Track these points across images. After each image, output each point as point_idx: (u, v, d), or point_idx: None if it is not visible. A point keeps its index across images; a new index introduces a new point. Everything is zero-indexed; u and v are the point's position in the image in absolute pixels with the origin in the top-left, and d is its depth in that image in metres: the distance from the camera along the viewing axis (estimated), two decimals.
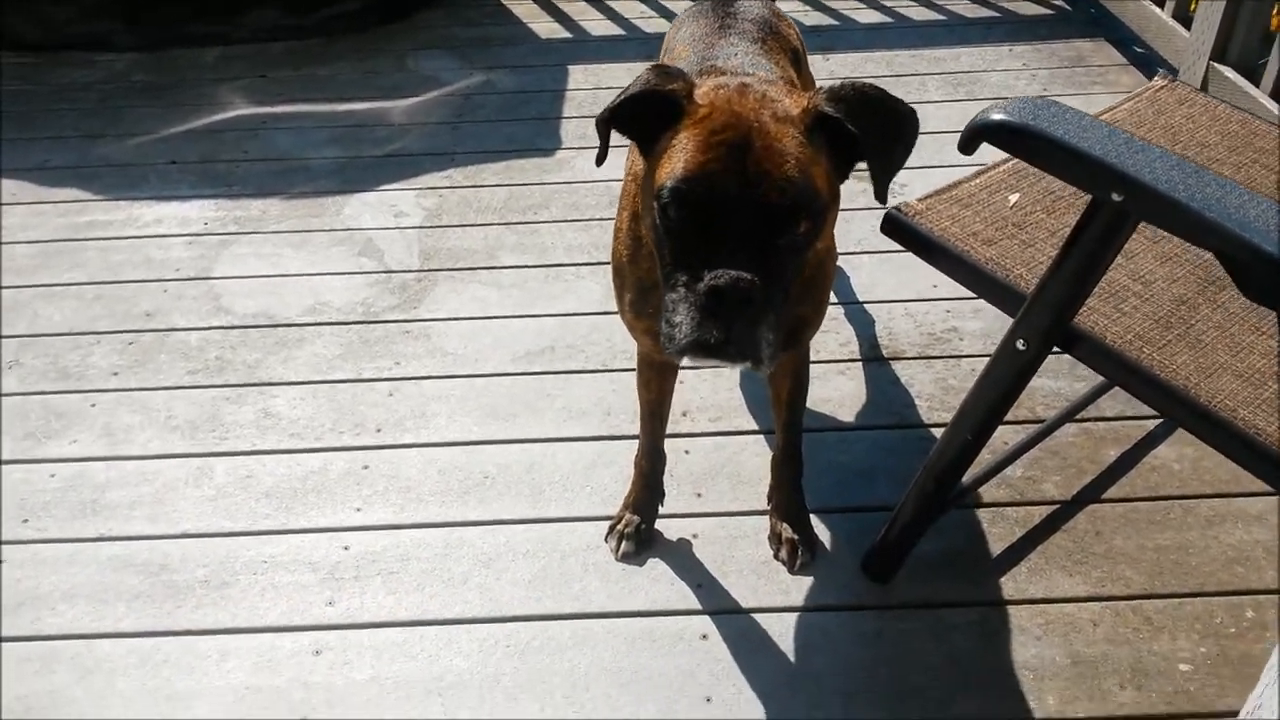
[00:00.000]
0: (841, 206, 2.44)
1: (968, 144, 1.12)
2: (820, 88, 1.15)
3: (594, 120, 1.21)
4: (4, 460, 1.95)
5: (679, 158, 1.09)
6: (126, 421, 2.02)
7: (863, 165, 1.19)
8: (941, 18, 3.64)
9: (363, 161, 2.91)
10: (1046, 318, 1.20)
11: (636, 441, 1.73)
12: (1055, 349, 1.25)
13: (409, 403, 2.06)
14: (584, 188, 2.75)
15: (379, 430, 1.99)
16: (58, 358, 2.20)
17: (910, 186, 2.67)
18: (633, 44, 3.59)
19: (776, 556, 1.69)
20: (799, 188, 1.07)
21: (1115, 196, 1.03)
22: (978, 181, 1.47)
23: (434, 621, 1.62)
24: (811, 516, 1.74)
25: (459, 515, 1.81)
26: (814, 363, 2.08)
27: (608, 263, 2.40)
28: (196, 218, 2.67)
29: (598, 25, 3.73)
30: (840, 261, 2.41)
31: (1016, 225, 1.38)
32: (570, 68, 3.42)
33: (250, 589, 1.68)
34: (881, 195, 1.16)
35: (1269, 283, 0.90)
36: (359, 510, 1.82)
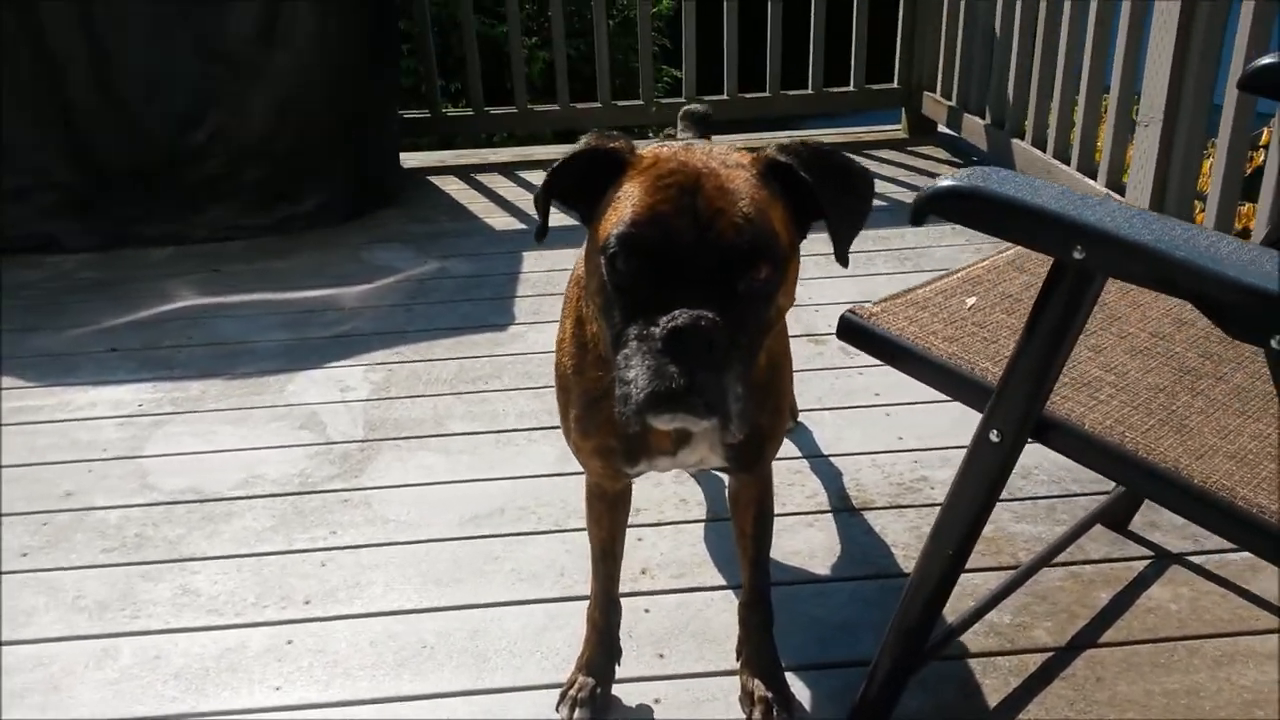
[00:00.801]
0: (798, 367, 2.39)
1: (918, 215, 1.07)
2: (776, 145, 1.10)
3: (532, 199, 1.16)
4: None
5: (625, 205, 1.01)
6: (29, 604, 1.83)
7: (818, 236, 1.13)
8: (884, 203, 3.77)
9: (311, 343, 2.85)
10: (1019, 403, 1.12)
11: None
12: (1030, 439, 1.16)
13: (342, 572, 1.89)
14: (538, 358, 2.69)
15: (307, 603, 1.81)
16: None
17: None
18: (581, 231, 3.65)
19: (749, 719, 1.50)
20: (756, 227, 0.99)
21: (1077, 254, 0.97)
22: (933, 287, 1.43)
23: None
24: (788, 674, 1.57)
25: (392, 690, 1.61)
26: (781, 515, 1.96)
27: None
28: (131, 400, 2.56)
29: (553, 218, 3.81)
30: (802, 418, 2.34)
31: (976, 324, 1.32)
32: (524, 253, 3.46)
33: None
34: (842, 256, 1.10)
35: (1252, 313, 0.82)
36: (278, 689, 1.62)
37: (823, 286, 3.06)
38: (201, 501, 2.11)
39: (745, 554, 1.51)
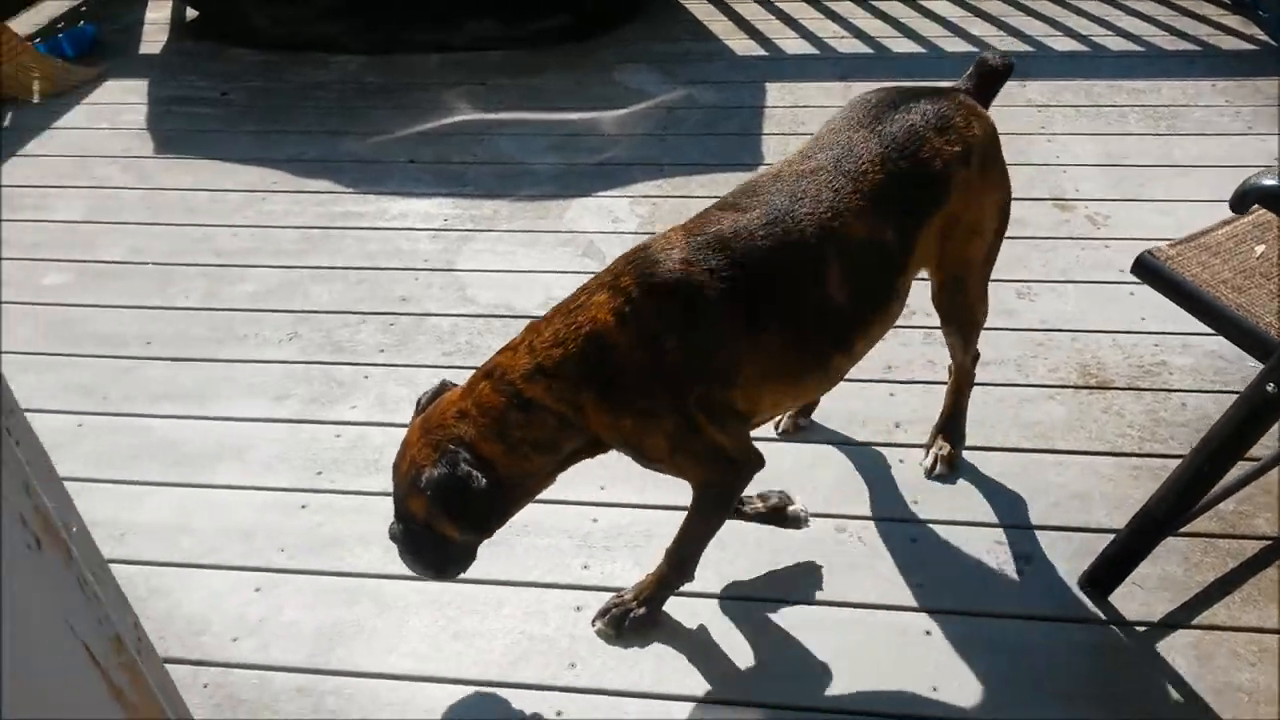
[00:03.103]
0: (1042, 234, 2.53)
1: (1239, 203, 1.23)
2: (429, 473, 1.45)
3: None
4: (295, 420, 2.24)
5: None
6: (395, 394, 2.29)
7: None
8: (1140, 49, 3.66)
9: (579, 169, 3.14)
10: None
11: (855, 447, 1.88)
12: None
13: None
14: None
15: None
16: (331, 333, 2.49)
17: (1114, 217, 2.73)
18: (827, 63, 3.72)
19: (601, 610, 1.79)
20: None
21: None
22: (1224, 231, 1.57)
23: (678, 593, 1.81)
24: (1031, 532, 1.87)
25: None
26: (1024, 385, 2.21)
27: None
28: (436, 214, 2.94)
29: (792, 44, 3.88)
30: (1045, 288, 2.50)
31: (1263, 275, 1.48)
32: (767, 85, 3.58)
33: (516, 548, 1.91)
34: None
35: None
36: (603, 489, 2.03)
37: (1068, 144, 3.10)
38: (514, 317, 2.50)
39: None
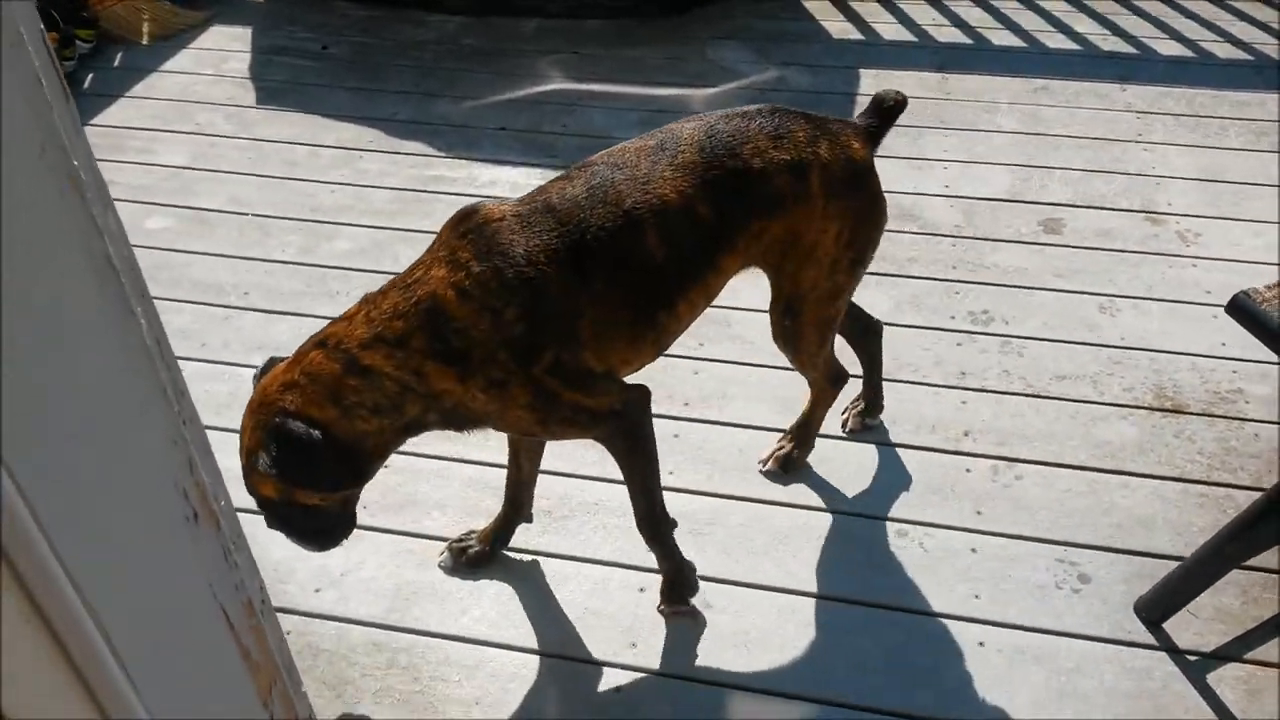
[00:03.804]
0: (1130, 248, 2.51)
1: None
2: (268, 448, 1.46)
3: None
4: None
5: None
6: None
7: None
8: (1249, 57, 3.55)
9: None
10: None
11: (923, 452, 1.92)
12: None
13: (712, 383, 2.31)
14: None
15: (686, 404, 2.26)
16: None
17: (1205, 235, 2.69)
18: (924, 52, 3.68)
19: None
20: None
21: None
22: None
23: (737, 583, 1.88)
24: (1093, 550, 1.89)
25: (760, 494, 2.05)
26: (1096, 403, 2.21)
27: (896, 274, 2.58)
28: (525, 184, 3.00)
29: (889, 29, 3.84)
30: (1128, 304, 2.48)
31: None
32: (861, 71, 3.56)
33: (585, 525, 1.99)
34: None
35: None
36: (671, 474, 2.09)
37: (1167, 154, 3.05)
38: None
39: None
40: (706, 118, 1.67)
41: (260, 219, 2.90)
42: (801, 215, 1.64)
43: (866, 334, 2.09)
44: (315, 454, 1.44)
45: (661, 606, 1.83)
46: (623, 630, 1.81)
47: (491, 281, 1.47)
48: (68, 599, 0.68)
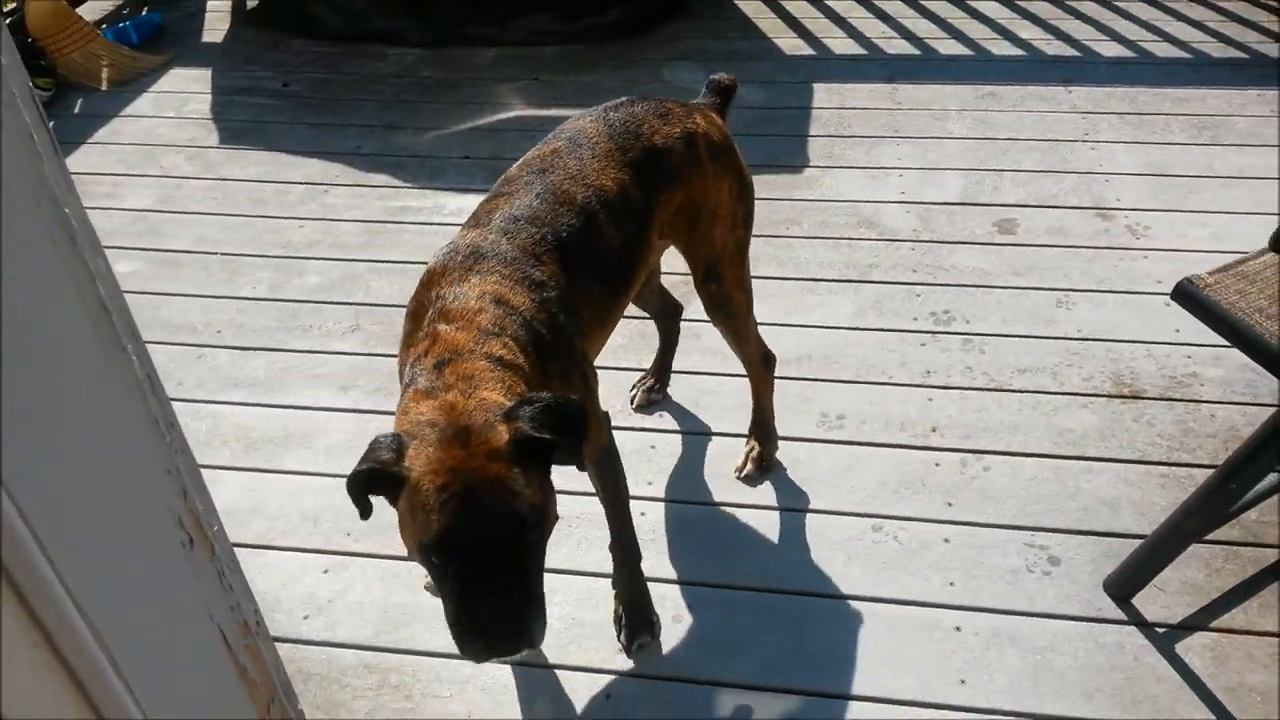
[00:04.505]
0: (1083, 243, 2.61)
1: (1278, 244, 1.30)
2: (520, 410, 1.31)
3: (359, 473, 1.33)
4: (359, 410, 2.37)
5: (421, 519, 1.28)
6: None
7: None
8: (1187, 55, 3.68)
9: None
10: None
11: (893, 449, 1.97)
12: None
13: (686, 393, 2.36)
14: (833, 206, 2.98)
15: (661, 416, 2.30)
16: (392, 325, 2.61)
17: (1154, 228, 2.79)
18: (875, 64, 3.77)
19: (618, 638, 1.82)
20: (520, 513, 1.29)
21: None
22: (1262, 261, 1.63)
23: (719, 585, 1.92)
24: (1065, 535, 1.95)
25: (737, 499, 2.10)
26: (1056, 394, 2.28)
27: (859, 280, 2.64)
28: None
29: (839, 43, 3.94)
30: (1083, 297, 2.56)
31: None
32: (814, 85, 3.65)
33: (567, 539, 2.02)
34: (579, 461, 1.39)
35: None
36: (650, 484, 2.14)
37: (1113, 152, 3.14)
38: None
39: (606, 514, 1.79)
40: (592, 113, 1.79)
41: (229, 257, 2.93)
42: (698, 181, 1.79)
43: (673, 314, 2.30)
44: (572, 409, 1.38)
45: (623, 641, 1.81)
46: (610, 638, 1.84)
47: (529, 286, 1.52)
48: (71, 619, 0.72)
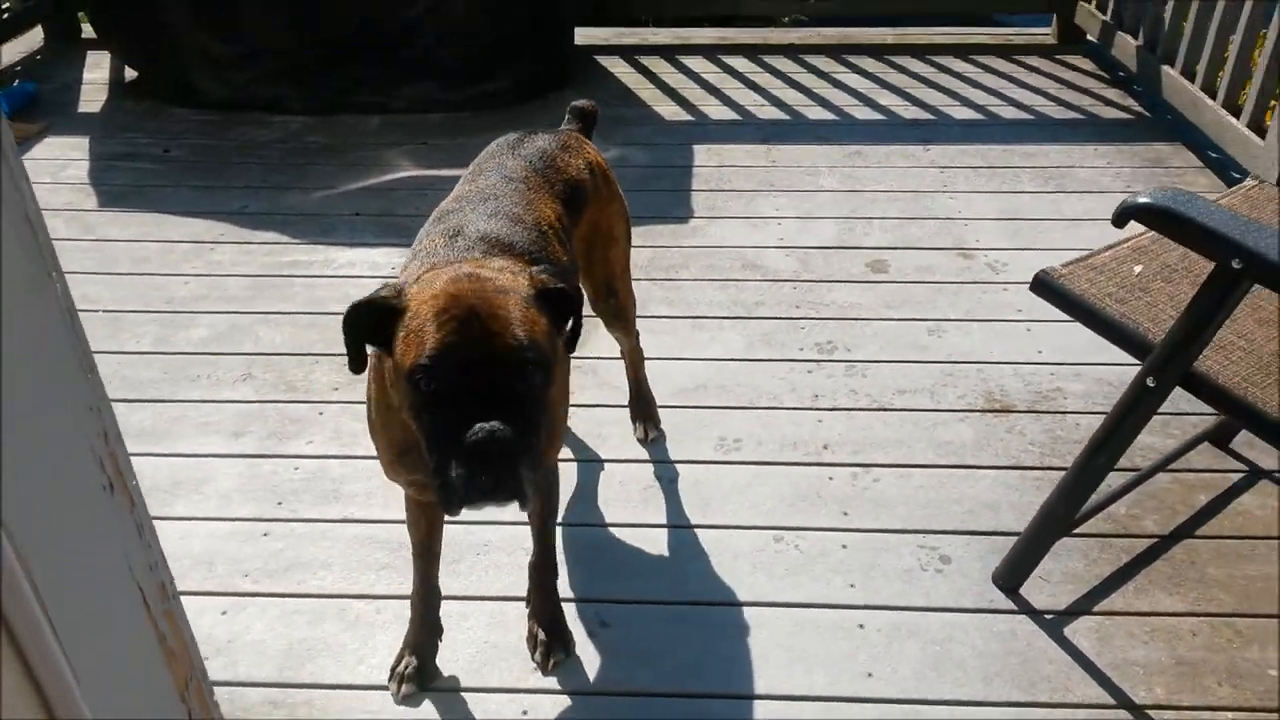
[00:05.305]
0: (948, 279, 2.79)
1: (1120, 219, 1.46)
2: (544, 267, 1.38)
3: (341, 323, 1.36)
4: (253, 455, 2.32)
5: (416, 342, 1.24)
6: (352, 428, 2.39)
7: None
8: (1030, 117, 4.02)
9: None
10: (1174, 360, 1.52)
11: (788, 466, 2.05)
12: (1177, 387, 1.57)
13: (586, 425, 2.40)
14: (718, 251, 3.12)
15: (565, 448, 2.33)
16: (284, 373, 2.58)
17: (1011, 264, 3.01)
18: (748, 129, 3.99)
19: (532, 657, 1.81)
20: (526, 344, 1.24)
21: (1235, 264, 1.36)
22: (1108, 254, 1.80)
23: (630, 601, 1.94)
24: (956, 536, 2.05)
25: (642, 519, 2.14)
26: (936, 410, 2.41)
27: (746, 316, 2.76)
28: (384, 262, 3.07)
29: (715, 110, 4.15)
30: (952, 327, 2.74)
31: (1141, 289, 1.71)
32: (694, 146, 3.83)
33: (475, 566, 2.02)
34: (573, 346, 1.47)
35: None
36: (562, 509, 2.15)
37: (971, 200, 3.39)
38: None
39: (534, 529, 1.82)
40: (501, 154, 1.81)
41: (111, 314, 2.85)
42: (597, 205, 1.89)
43: None
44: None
45: (538, 660, 1.80)
46: (523, 657, 1.83)
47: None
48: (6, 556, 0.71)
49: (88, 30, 4.63)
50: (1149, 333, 1.62)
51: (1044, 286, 1.73)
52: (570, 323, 1.43)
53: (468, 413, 1.21)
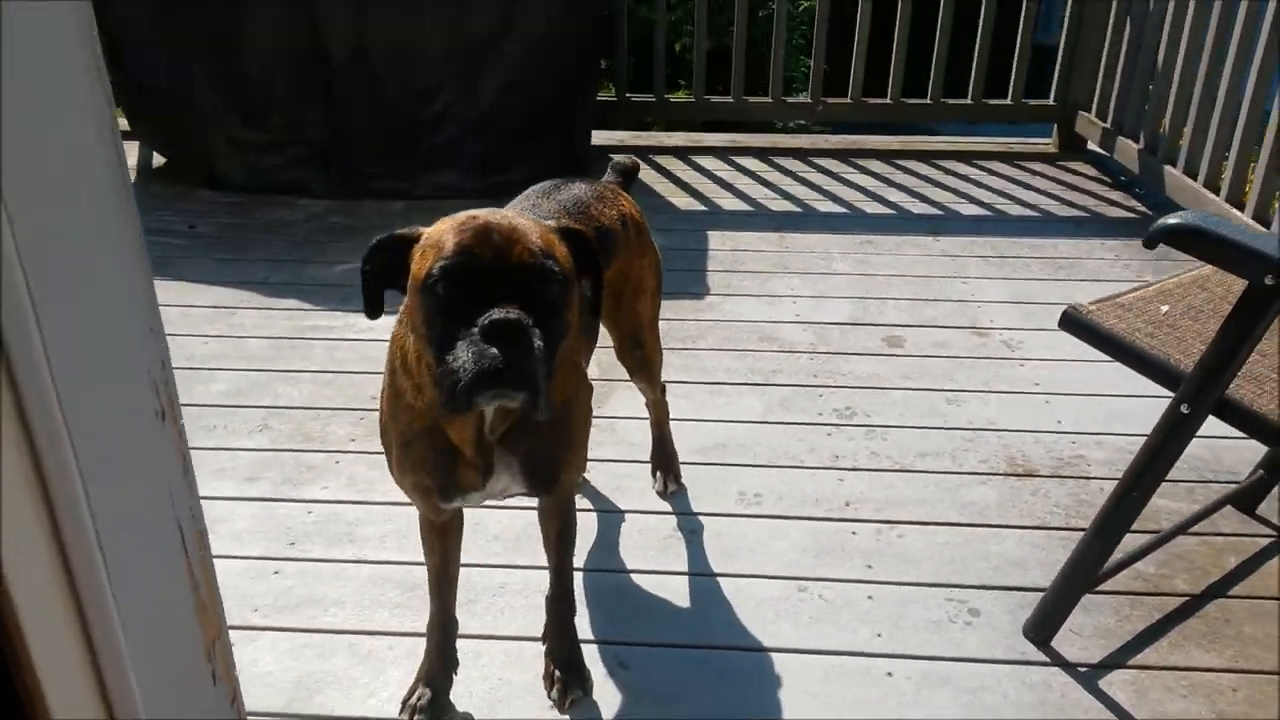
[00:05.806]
0: (964, 354, 2.81)
1: (1151, 241, 1.48)
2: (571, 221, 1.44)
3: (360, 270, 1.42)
4: (266, 498, 2.28)
5: (434, 251, 1.25)
6: (367, 475, 2.36)
7: None
8: (1036, 214, 4.12)
9: None
10: (1208, 384, 1.52)
11: (811, 521, 2.02)
12: (1211, 414, 1.56)
13: (603, 479, 2.38)
14: (735, 324, 3.15)
15: (584, 499, 2.31)
16: (301, 425, 2.57)
17: (1025, 342, 3.03)
18: (760, 219, 4.08)
19: (549, 695, 1.75)
20: (543, 253, 1.25)
21: (1268, 280, 1.37)
22: (1134, 295, 1.82)
23: (652, 644, 1.89)
24: (979, 590, 2.01)
25: (662, 566, 2.09)
26: (957, 473, 2.39)
27: (763, 384, 2.77)
28: None
29: (728, 202, 4.26)
30: (970, 398, 2.74)
31: (1170, 326, 1.72)
32: (709, 233, 3.91)
33: (491, 608, 1.96)
34: (598, 309, 1.49)
35: None
36: (582, 557, 2.10)
37: (982, 285, 3.44)
38: None
39: (550, 560, 1.77)
40: (536, 197, 1.85)
41: None
42: (628, 256, 1.91)
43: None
44: None
45: (554, 698, 1.74)
46: (540, 695, 1.76)
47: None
48: (64, 453, 0.69)
49: (122, 123, 4.79)
50: (1179, 364, 1.62)
51: (1072, 322, 1.74)
52: (591, 281, 1.44)
53: (482, 309, 1.19)
